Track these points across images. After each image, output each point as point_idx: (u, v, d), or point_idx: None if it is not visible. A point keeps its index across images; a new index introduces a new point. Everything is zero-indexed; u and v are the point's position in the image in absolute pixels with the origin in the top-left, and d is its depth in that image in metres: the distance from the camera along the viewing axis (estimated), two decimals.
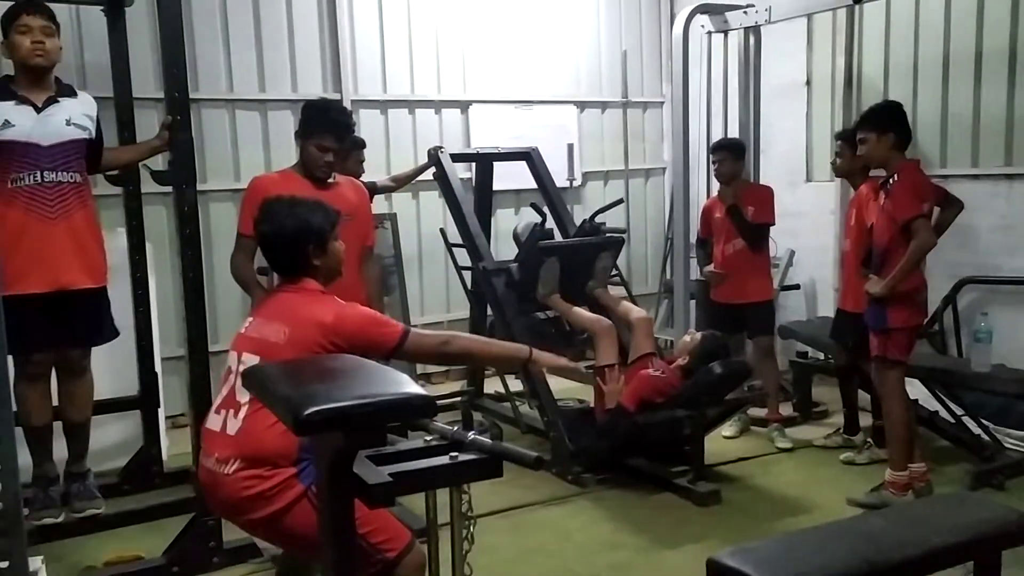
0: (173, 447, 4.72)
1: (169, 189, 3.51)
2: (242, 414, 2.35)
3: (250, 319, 2.57)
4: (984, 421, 4.50)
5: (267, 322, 2.46)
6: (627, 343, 4.58)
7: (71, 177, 3.40)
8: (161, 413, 4.44)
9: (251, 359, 2.39)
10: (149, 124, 4.82)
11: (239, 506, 2.33)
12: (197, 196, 3.45)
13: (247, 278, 3.48)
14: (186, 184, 3.39)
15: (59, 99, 3.42)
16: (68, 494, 3.61)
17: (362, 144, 4.90)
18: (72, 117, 3.43)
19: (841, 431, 4.89)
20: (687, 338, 4.47)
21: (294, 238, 2.52)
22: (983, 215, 5.02)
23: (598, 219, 5.08)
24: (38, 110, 3.35)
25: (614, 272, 5.27)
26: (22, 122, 3.30)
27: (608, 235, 5.08)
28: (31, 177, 3.30)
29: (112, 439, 4.40)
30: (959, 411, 4.54)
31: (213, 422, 2.45)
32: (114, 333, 3.67)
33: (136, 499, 3.84)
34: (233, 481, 2.31)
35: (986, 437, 4.45)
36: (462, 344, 2.68)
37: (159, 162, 3.75)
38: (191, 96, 3.51)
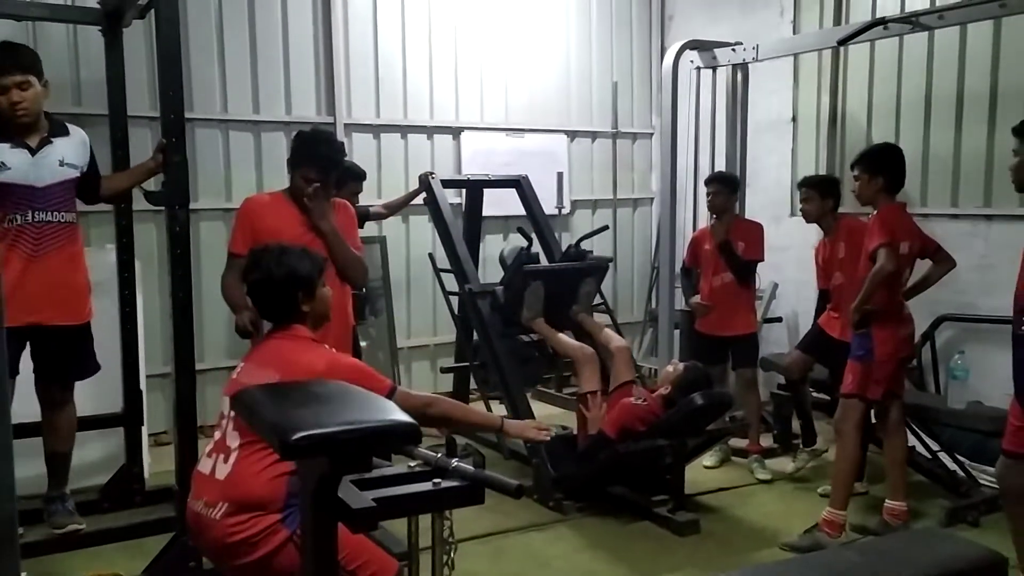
0: (156, 465, 4.72)
1: (160, 208, 3.56)
2: (232, 459, 2.39)
3: (241, 364, 2.61)
4: (960, 457, 4.55)
5: (259, 368, 2.50)
6: (609, 368, 4.63)
7: (61, 217, 3.49)
8: (144, 431, 4.44)
9: None
10: (143, 142, 4.89)
11: (225, 551, 2.36)
12: (189, 216, 3.49)
13: (236, 299, 3.48)
14: (179, 205, 3.43)
15: (52, 139, 3.50)
16: (48, 512, 3.63)
17: (361, 175, 4.90)
18: (65, 157, 3.52)
19: (802, 448, 4.95)
20: (670, 368, 4.52)
21: (283, 286, 2.58)
22: (962, 254, 5.08)
23: (584, 246, 5.15)
24: (32, 152, 3.43)
25: (600, 300, 5.33)
26: (18, 165, 3.39)
27: (592, 261, 5.15)
28: (22, 217, 3.39)
29: (94, 456, 4.39)
30: (935, 447, 4.61)
31: (204, 466, 2.48)
32: (95, 368, 3.74)
33: (117, 517, 3.84)
34: (220, 526, 2.34)
35: (962, 473, 4.50)
36: (443, 408, 2.79)
37: (152, 182, 3.79)
38: (185, 116, 3.55)
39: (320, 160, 3.48)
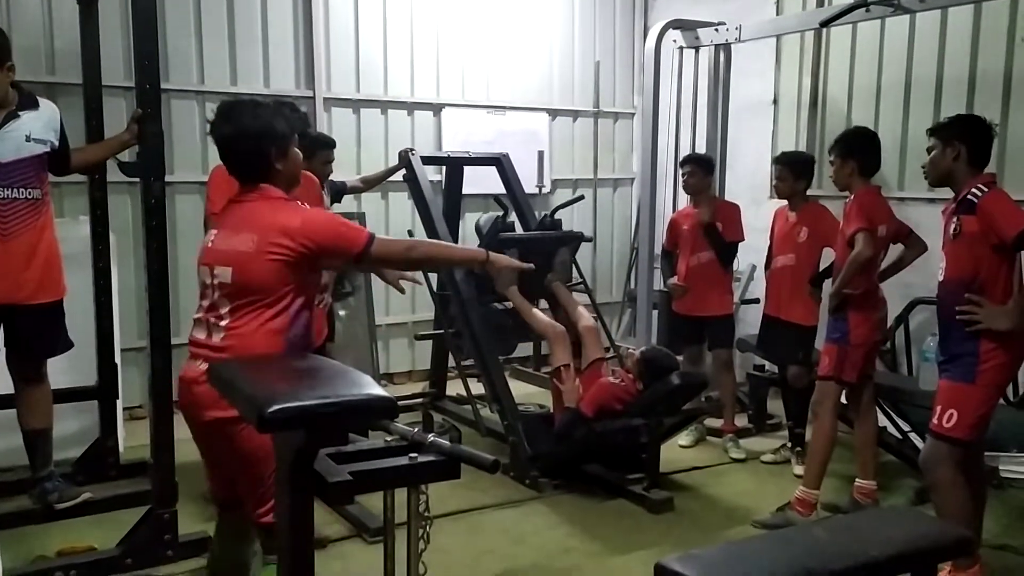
0: (130, 439, 4.69)
1: (135, 179, 3.51)
2: (225, 321, 2.41)
3: (215, 231, 2.54)
4: None
5: (234, 233, 2.45)
6: (582, 347, 4.66)
7: (28, 194, 3.42)
8: (119, 405, 4.41)
9: (223, 271, 2.42)
10: (118, 112, 4.82)
11: (209, 402, 2.34)
12: (165, 188, 3.45)
13: None
14: (154, 177, 3.38)
15: (20, 113, 3.42)
16: (46, 491, 3.63)
17: (331, 144, 4.86)
18: (32, 132, 3.44)
19: (787, 445, 4.99)
20: (631, 354, 4.58)
21: (257, 140, 2.46)
22: (937, 238, 5.12)
23: (563, 225, 5.15)
24: None
25: (579, 280, 5.34)
26: None
27: (568, 231, 5.15)
28: None
29: (68, 430, 4.35)
30: (906, 427, 4.68)
31: (198, 331, 2.49)
32: (67, 346, 3.69)
33: (91, 490, 3.81)
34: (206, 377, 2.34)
35: None
36: (425, 250, 2.80)
37: (127, 153, 3.74)
38: (161, 87, 3.49)
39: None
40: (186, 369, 2.48)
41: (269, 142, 2.48)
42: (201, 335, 2.47)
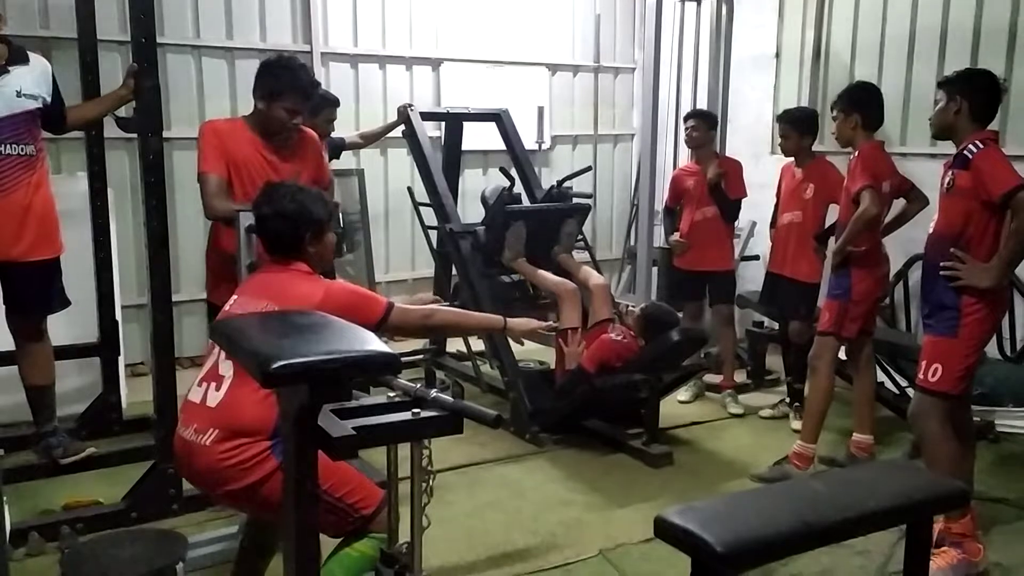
0: (132, 395, 4.72)
1: (132, 135, 3.48)
2: (224, 387, 2.39)
3: (235, 297, 2.58)
4: None
5: (254, 300, 2.48)
6: (588, 306, 4.66)
7: (21, 150, 3.38)
8: (121, 361, 4.43)
9: None
10: (113, 67, 4.77)
11: (216, 477, 2.37)
12: (163, 144, 3.42)
13: (227, 209, 3.19)
14: (151, 132, 3.35)
15: (10, 68, 3.37)
16: (51, 446, 3.66)
17: (335, 102, 4.82)
18: (23, 87, 3.39)
19: (785, 401, 5.02)
20: (635, 309, 4.58)
21: (294, 222, 2.56)
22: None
23: (568, 188, 5.12)
24: None
25: (579, 237, 5.33)
26: None
27: (575, 202, 5.13)
28: None
29: (71, 385, 4.37)
30: (903, 383, 4.71)
31: (194, 394, 2.47)
32: (64, 303, 3.68)
33: (95, 445, 3.85)
34: (210, 452, 2.34)
35: None
36: (444, 317, 2.92)
37: (123, 109, 3.70)
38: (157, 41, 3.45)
39: (305, 88, 3.35)
40: (180, 433, 2.47)
41: (305, 227, 2.57)
42: (196, 398, 2.45)
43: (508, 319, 3.00)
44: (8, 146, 3.35)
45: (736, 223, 5.46)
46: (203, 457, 2.37)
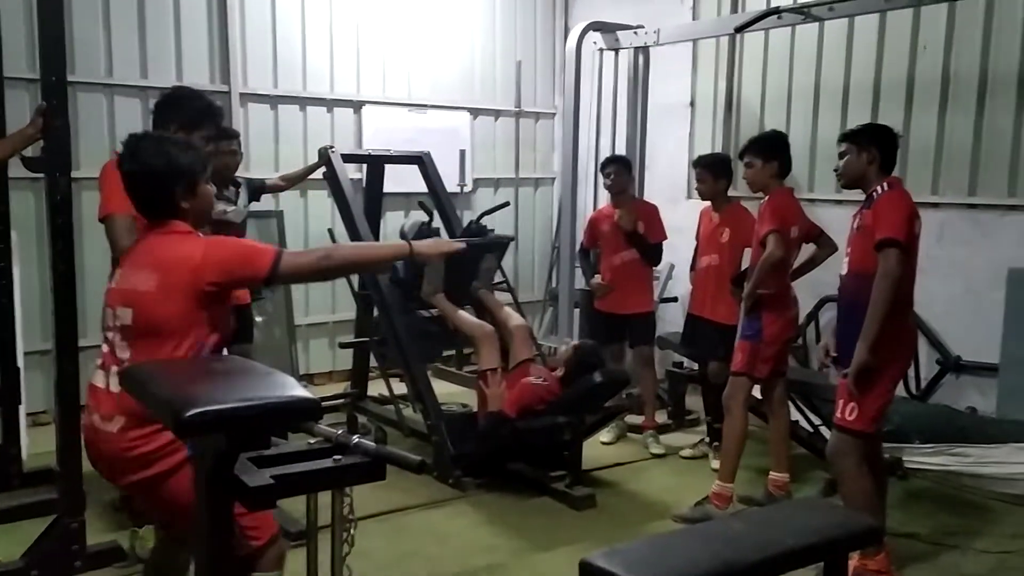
0: (34, 446, 4.48)
1: (39, 175, 3.36)
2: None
3: (119, 270, 2.45)
4: None
5: (135, 271, 2.35)
6: (508, 346, 4.66)
7: None
8: (22, 410, 4.22)
9: (124, 312, 2.32)
10: (20, 105, 4.61)
11: (122, 466, 2.28)
12: (71, 184, 3.31)
13: None
14: (60, 172, 3.24)
15: None
16: None
17: (231, 134, 4.72)
18: None
19: (705, 440, 5.10)
20: (563, 347, 4.60)
21: (163, 178, 2.37)
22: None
23: (486, 224, 5.15)
24: None
25: (501, 279, 5.35)
26: None
27: (493, 237, 5.16)
28: None
29: None
30: (817, 421, 4.83)
31: (97, 378, 2.38)
32: None
33: None
34: (117, 439, 2.26)
35: None
36: (343, 255, 2.58)
37: (31, 148, 3.57)
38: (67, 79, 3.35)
39: (217, 117, 3.30)
40: (86, 419, 2.37)
41: (175, 181, 2.38)
42: (100, 382, 2.35)
43: (414, 242, 2.66)
44: None
45: (656, 266, 5.57)
46: (110, 445, 2.28)
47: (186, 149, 2.45)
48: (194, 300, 2.27)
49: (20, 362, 4.16)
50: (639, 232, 5.17)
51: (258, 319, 5.62)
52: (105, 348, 2.39)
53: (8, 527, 3.57)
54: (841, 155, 3.49)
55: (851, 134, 3.51)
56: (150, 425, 2.23)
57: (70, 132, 3.30)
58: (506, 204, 5.86)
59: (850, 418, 3.29)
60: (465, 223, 5.42)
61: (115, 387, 2.29)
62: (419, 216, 5.13)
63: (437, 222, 5.20)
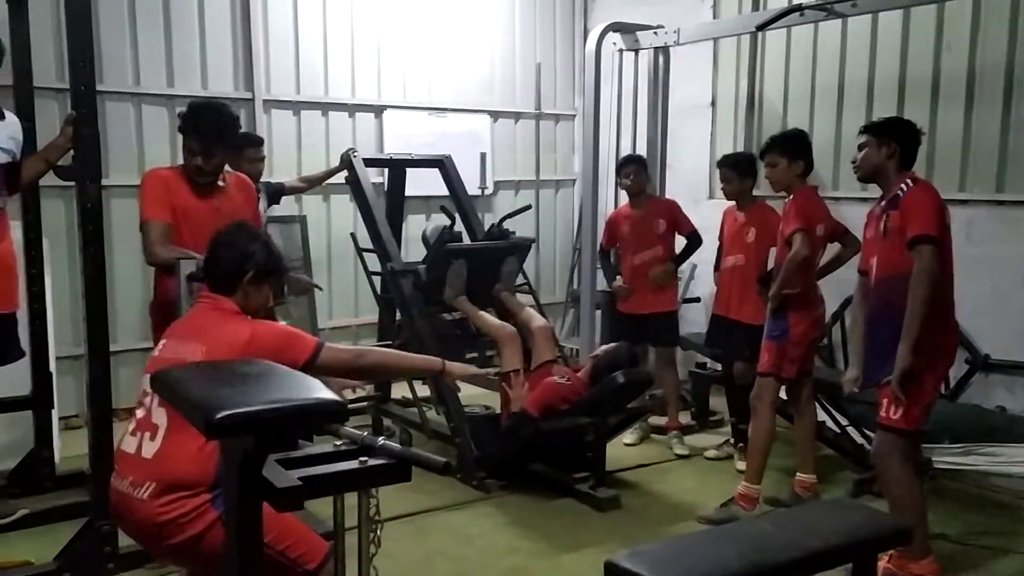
0: (66, 449, 4.57)
1: (69, 183, 3.42)
2: (159, 437, 2.33)
3: (164, 341, 2.54)
4: (866, 431, 4.75)
5: (182, 342, 2.44)
6: (531, 348, 4.68)
7: None
8: (54, 414, 4.29)
9: None
10: (50, 114, 4.69)
11: (155, 532, 2.30)
12: (101, 192, 3.37)
13: (168, 256, 3.24)
14: (90, 180, 3.29)
15: None
16: None
17: (256, 141, 4.77)
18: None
19: (730, 441, 5.07)
20: (599, 353, 4.61)
21: (241, 256, 2.55)
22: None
23: (507, 226, 5.17)
24: None
25: (522, 281, 5.37)
26: None
27: (515, 240, 5.17)
28: None
29: (1, 441, 4.22)
30: (844, 422, 4.80)
31: (128, 444, 2.41)
32: (19, 354, 3.65)
33: (26, 503, 3.70)
34: (148, 506, 2.28)
35: (868, 447, 4.68)
36: (376, 358, 2.80)
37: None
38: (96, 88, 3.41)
39: (198, 130, 3.37)
40: (115, 485, 2.41)
41: (252, 263, 2.56)
42: (130, 448, 2.39)
43: (447, 362, 2.85)
44: None
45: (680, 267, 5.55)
46: (140, 511, 2.30)
47: (274, 250, 2.66)
48: None
49: (52, 367, 4.22)
50: (676, 269, 5.34)
51: (282, 322, 5.66)
52: (140, 414, 2.43)
53: (42, 529, 3.63)
54: (860, 147, 3.43)
55: (872, 126, 3.45)
56: (180, 491, 2.27)
57: (99, 141, 3.36)
58: (528, 208, 5.88)
59: (895, 417, 3.23)
60: (487, 226, 5.45)
61: (147, 453, 2.33)
62: (441, 220, 5.15)
63: (459, 226, 5.22)
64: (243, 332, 2.42)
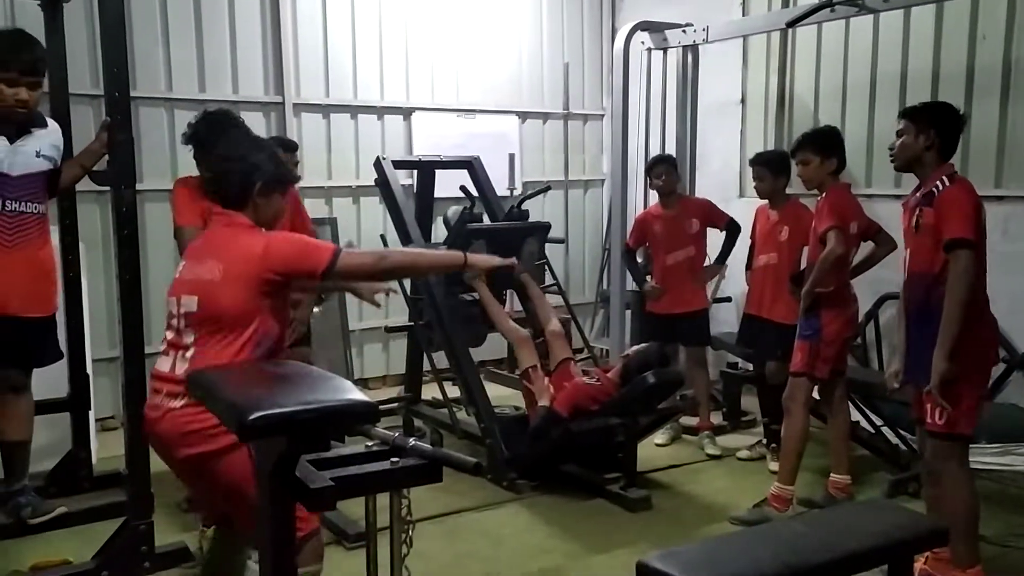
0: (103, 450, 4.63)
1: (104, 188, 3.48)
2: (190, 354, 2.39)
3: (183, 263, 2.59)
4: (901, 431, 4.69)
5: (200, 262, 2.49)
6: (546, 341, 4.72)
7: (34, 208, 3.45)
8: (91, 416, 4.35)
9: (189, 300, 2.44)
10: (85, 120, 4.77)
11: (177, 440, 2.34)
12: (136, 196, 3.42)
13: None
14: (125, 185, 3.35)
15: (32, 130, 3.44)
16: (20, 506, 3.56)
17: (291, 146, 4.81)
18: (42, 149, 3.47)
19: (762, 442, 5.03)
20: (630, 351, 4.60)
21: (248, 168, 2.54)
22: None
23: (527, 210, 5.17)
24: (11, 140, 3.36)
25: (552, 282, 5.36)
26: None
27: (534, 221, 5.17)
28: None
29: (40, 441, 4.25)
30: (878, 421, 4.74)
31: (162, 364, 2.48)
32: (58, 356, 3.71)
33: (64, 503, 3.76)
34: (178, 415, 2.34)
35: (903, 447, 4.64)
36: (398, 259, 2.78)
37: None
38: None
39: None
40: (149, 403, 2.46)
41: (260, 175, 2.55)
42: (165, 367, 2.46)
43: (469, 254, 2.82)
44: (24, 204, 3.40)
45: (704, 263, 5.50)
46: (168, 421, 2.36)
47: (281, 163, 2.66)
48: (256, 289, 2.39)
49: (89, 369, 4.29)
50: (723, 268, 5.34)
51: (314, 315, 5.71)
52: (170, 335, 2.49)
53: (79, 529, 3.67)
54: (898, 134, 3.27)
55: (911, 111, 3.28)
56: None
57: (133, 146, 3.41)
58: (548, 188, 5.90)
59: (940, 422, 3.11)
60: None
61: (181, 370, 2.38)
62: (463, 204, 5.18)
63: (479, 208, 5.24)
64: (257, 244, 2.44)
